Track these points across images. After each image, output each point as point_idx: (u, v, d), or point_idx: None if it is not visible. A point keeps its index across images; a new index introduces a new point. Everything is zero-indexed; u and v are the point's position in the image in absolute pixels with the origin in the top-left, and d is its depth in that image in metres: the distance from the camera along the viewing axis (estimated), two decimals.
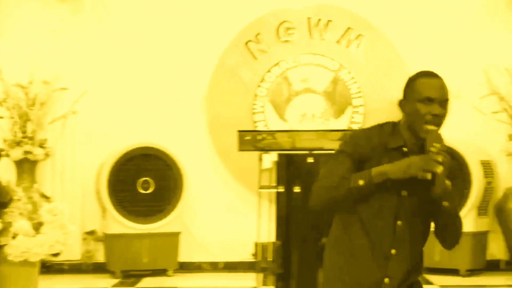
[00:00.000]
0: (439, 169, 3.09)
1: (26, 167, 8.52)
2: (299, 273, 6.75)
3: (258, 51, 9.35)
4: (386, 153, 3.25)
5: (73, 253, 8.80)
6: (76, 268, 9.10)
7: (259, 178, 7.41)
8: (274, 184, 7.10)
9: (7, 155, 8.38)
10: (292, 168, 7.01)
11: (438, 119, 3.22)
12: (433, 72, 3.32)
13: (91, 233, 9.10)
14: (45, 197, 8.31)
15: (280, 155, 7.09)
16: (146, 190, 8.77)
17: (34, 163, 8.57)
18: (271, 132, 7.63)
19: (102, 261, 8.98)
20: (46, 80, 8.73)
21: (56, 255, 5.13)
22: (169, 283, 8.55)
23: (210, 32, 9.33)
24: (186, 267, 9.07)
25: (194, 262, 9.20)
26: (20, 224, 4.98)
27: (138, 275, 8.69)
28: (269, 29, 9.36)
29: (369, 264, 3.27)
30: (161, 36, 9.33)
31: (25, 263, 4.94)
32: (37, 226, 4.99)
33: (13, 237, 4.87)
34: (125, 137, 8.98)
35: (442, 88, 3.26)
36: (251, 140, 7.44)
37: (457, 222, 3.38)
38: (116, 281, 8.49)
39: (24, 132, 8.55)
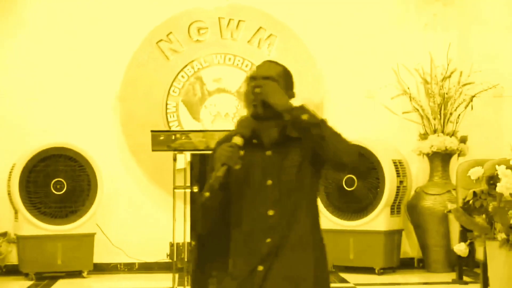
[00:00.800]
0: (238, 141, 3.29)
1: None
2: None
3: (170, 50, 9.36)
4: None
5: None
6: None
7: (174, 178, 7.44)
8: (188, 184, 7.14)
9: None
10: (206, 168, 7.05)
11: (261, 87, 3.33)
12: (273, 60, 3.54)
13: (3, 235, 8.97)
14: None
15: (193, 155, 7.12)
16: (59, 191, 8.70)
17: None
18: (185, 132, 7.66)
19: (15, 263, 8.87)
20: None
21: None
22: (84, 285, 8.53)
23: (123, 30, 9.30)
24: (101, 268, 9.03)
25: (109, 263, 9.16)
26: None
27: (53, 277, 8.61)
28: (181, 29, 9.37)
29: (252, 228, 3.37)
30: (74, 33, 9.26)
31: None
32: None
33: None
34: (37, 136, 8.88)
35: (264, 67, 3.45)
36: (165, 140, 7.46)
37: (338, 138, 3.39)
38: (30, 283, 8.41)
39: None
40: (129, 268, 9.20)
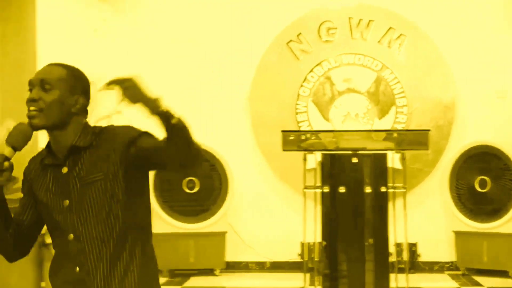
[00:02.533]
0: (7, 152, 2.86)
1: None
2: (346, 273, 6.80)
3: (300, 51, 9.40)
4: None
5: None
6: None
7: (304, 178, 7.44)
8: (319, 184, 7.15)
9: None
10: (337, 168, 7.05)
11: (35, 104, 2.92)
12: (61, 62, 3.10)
13: None
14: None
15: (324, 155, 7.13)
16: (191, 189, 8.87)
17: None
18: (315, 132, 7.65)
19: None
20: (92, 80, 8.82)
21: None
22: (216, 283, 8.65)
23: (252, 31, 9.39)
24: (232, 267, 9.17)
25: (240, 262, 9.28)
26: None
27: (185, 275, 8.79)
28: (310, 29, 9.40)
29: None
30: (203, 36, 9.41)
31: None
32: None
33: None
34: None
35: (43, 71, 3.01)
36: (295, 140, 7.46)
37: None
38: (163, 280, 8.59)
39: None
40: (260, 267, 9.28)
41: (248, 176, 9.26)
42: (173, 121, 2.81)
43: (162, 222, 8.75)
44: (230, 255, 9.07)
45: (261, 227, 9.21)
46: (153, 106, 2.81)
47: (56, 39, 8.91)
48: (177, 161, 2.87)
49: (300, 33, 9.39)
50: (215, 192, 8.93)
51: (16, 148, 2.87)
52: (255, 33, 9.39)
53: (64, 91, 2.95)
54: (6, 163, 2.83)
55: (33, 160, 3.10)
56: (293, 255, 8.07)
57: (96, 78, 8.59)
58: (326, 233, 6.94)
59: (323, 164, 7.14)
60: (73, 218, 2.92)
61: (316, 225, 7.18)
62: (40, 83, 2.94)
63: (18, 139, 2.88)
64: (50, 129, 2.96)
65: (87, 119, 3.05)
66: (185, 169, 2.95)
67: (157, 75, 9.32)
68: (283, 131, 7.57)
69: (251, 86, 9.38)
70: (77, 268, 2.93)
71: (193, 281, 8.63)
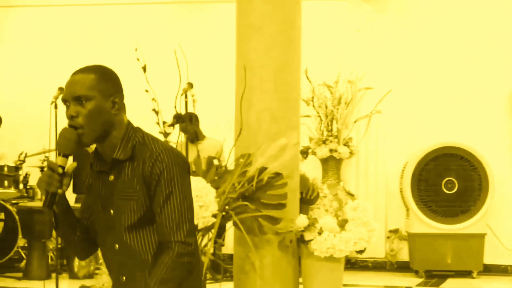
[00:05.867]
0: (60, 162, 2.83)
1: (331, 165, 8.75)
2: None
3: None
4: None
5: (377, 251, 8.92)
6: (379, 266, 9.21)
7: None
8: None
9: (314, 153, 8.66)
10: None
11: (76, 121, 2.87)
12: (84, 67, 2.95)
13: (395, 231, 9.16)
14: (349, 194, 8.50)
15: None
16: (450, 190, 8.68)
17: (339, 161, 8.78)
18: None
19: (406, 260, 9.00)
20: (351, 79, 8.90)
21: (360, 252, 5.23)
22: (473, 286, 8.42)
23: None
24: (490, 270, 8.85)
25: (499, 265, 8.96)
26: (326, 220, 5.12)
27: (442, 276, 8.62)
28: None
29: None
30: (462, 34, 9.21)
31: (330, 258, 5.08)
32: (342, 223, 5.12)
33: (319, 233, 5.03)
34: (428, 136, 8.95)
35: (72, 84, 2.90)
36: None
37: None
38: (419, 280, 8.49)
39: (329, 130, 8.79)
40: None
41: (509, 178, 8.89)
42: None
43: (419, 222, 8.64)
44: (489, 258, 8.75)
45: None
46: None
47: (318, 38, 9.07)
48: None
49: None
50: (474, 192, 8.67)
51: (66, 155, 2.86)
52: None
53: (99, 99, 2.88)
54: (60, 170, 2.82)
55: (90, 163, 3.07)
56: None
57: (357, 77, 8.69)
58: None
59: None
60: (117, 228, 2.93)
61: None
62: (73, 98, 2.88)
63: (66, 146, 2.86)
64: (96, 140, 2.92)
65: (127, 119, 2.99)
66: None
67: (419, 74, 9.25)
68: None
69: None
70: (124, 278, 2.96)
71: (450, 282, 8.44)
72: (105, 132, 2.90)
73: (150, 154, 2.87)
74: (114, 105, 2.91)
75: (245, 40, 5.22)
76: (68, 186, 2.87)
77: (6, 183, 8.66)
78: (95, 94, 2.87)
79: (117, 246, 2.94)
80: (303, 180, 5.52)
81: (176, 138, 5.60)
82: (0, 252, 8.41)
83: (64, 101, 2.90)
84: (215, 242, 4.51)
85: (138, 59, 5.01)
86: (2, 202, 8.42)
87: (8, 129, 9.00)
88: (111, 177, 2.94)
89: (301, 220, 5.08)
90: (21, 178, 8.73)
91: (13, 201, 8.58)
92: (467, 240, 8.60)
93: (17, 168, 8.66)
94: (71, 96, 2.88)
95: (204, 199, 4.27)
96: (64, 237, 3.05)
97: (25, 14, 10.27)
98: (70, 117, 2.87)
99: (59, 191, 2.83)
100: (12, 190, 8.66)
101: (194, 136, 8.61)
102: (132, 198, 2.88)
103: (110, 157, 2.93)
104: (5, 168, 8.61)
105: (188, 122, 8.33)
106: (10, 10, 10.38)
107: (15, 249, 8.44)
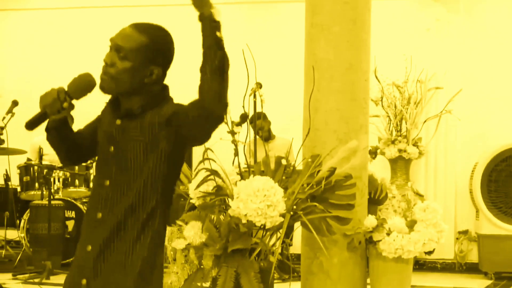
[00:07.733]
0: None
1: (400, 165, 8.68)
2: None
3: None
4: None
5: (446, 252, 8.85)
6: (448, 267, 9.13)
7: None
8: None
9: (382, 153, 8.61)
10: None
11: (107, 68, 2.86)
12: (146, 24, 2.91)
13: (464, 232, 9.06)
14: (418, 195, 8.43)
15: None
16: None
17: (408, 161, 8.71)
18: None
19: (475, 261, 8.90)
20: (420, 79, 8.83)
21: (429, 253, 5.19)
22: None
23: None
24: None
25: None
26: (394, 221, 5.09)
27: (511, 278, 8.49)
28: None
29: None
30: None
31: (399, 259, 5.05)
32: (411, 224, 5.08)
33: (388, 234, 5.00)
34: (499, 136, 8.85)
35: (123, 34, 2.87)
36: None
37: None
38: (488, 282, 8.40)
39: (398, 130, 8.73)
40: None
41: None
42: (219, 34, 2.72)
43: (489, 223, 8.54)
44: None
45: None
46: (207, 12, 2.73)
47: (387, 37, 9.02)
48: (205, 93, 2.75)
49: None
50: None
51: (71, 96, 2.87)
52: None
53: (138, 63, 2.85)
54: (65, 104, 2.85)
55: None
56: None
57: (426, 77, 8.62)
58: None
59: None
60: (113, 166, 2.92)
61: None
62: (116, 47, 2.87)
63: (76, 89, 2.86)
64: (117, 94, 2.95)
65: (162, 89, 2.95)
66: (209, 107, 2.77)
67: (490, 74, 9.15)
68: None
69: None
70: (100, 214, 2.92)
71: None
72: (128, 94, 2.91)
73: (169, 105, 2.91)
74: (150, 74, 2.89)
75: (313, 39, 5.21)
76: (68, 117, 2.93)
77: (77, 182, 8.79)
78: (135, 57, 2.86)
79: (107, 182, 2.93)
80: (372, 180, 5.50)
81: (244, 137, 5.62)
82: (71, 250, 8.55)
83: (111, 43, 2.90)
84: (283, 242, 4.51)
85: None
86: (73, 201, 8.56)
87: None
88: (119, 121, 2.94)
89: (370, 221, 5.06)
90: (91, 177, 8.87)
91: (84, 200, 8.71)
92: None
93: (87, 167, 8.80)
94: (114, 44, 2.88)
95: (272, 199, 4.28)
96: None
97: (25, 16, 10.47)
98: (105, 63, 2.88)
99: (53, 117, 2.89)
100: (82, 189, 8.79)
101: (268, 134, 8.69)
102: (138, 139, 2.88)
103: (123, 109, 2.95)
104: (76, 167, 8.75)
105: (262, 120, 8.40)
106: (8, 14, 10.57)
107: None
